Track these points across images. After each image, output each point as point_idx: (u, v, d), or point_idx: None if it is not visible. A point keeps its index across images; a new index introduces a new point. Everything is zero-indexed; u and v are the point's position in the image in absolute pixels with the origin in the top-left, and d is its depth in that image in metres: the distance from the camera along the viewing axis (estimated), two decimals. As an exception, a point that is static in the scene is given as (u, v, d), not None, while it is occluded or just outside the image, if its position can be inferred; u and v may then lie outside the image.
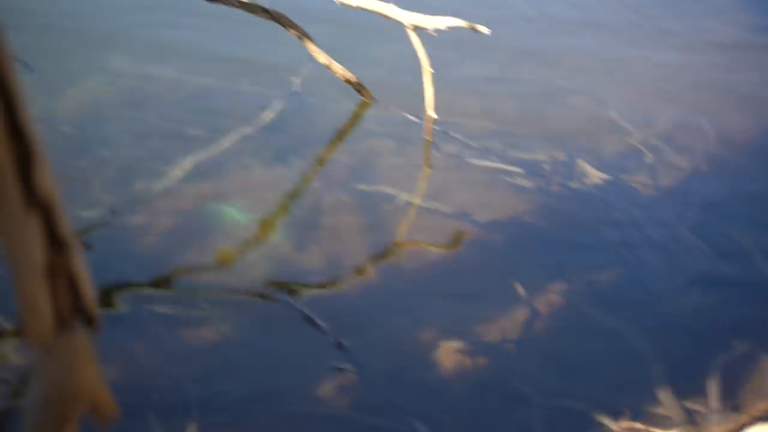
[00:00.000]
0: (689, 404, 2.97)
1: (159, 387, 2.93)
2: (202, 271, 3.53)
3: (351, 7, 4.78)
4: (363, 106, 4.93)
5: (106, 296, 3.28)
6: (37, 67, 4.94)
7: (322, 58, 4.87)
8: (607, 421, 2.87)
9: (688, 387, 3.05)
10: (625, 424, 2.84)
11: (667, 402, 2.97)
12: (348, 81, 4.91)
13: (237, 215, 3.89)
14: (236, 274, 3.52)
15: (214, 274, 3.52)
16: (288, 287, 3.45)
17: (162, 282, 3.43)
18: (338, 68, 4.87)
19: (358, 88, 4.95)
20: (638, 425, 2.84)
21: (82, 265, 1.09)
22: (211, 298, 3.36)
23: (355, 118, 4.82)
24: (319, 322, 3.23)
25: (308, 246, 3.70)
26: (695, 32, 6.26)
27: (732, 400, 2.99)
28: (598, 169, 4.41)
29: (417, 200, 4.10)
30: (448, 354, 3.15)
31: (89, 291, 1.10)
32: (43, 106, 4.53)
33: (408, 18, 4.70)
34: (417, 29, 4.69)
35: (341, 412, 2.87)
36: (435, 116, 4.55)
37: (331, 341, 3.14)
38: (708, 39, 6.16)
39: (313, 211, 3.95)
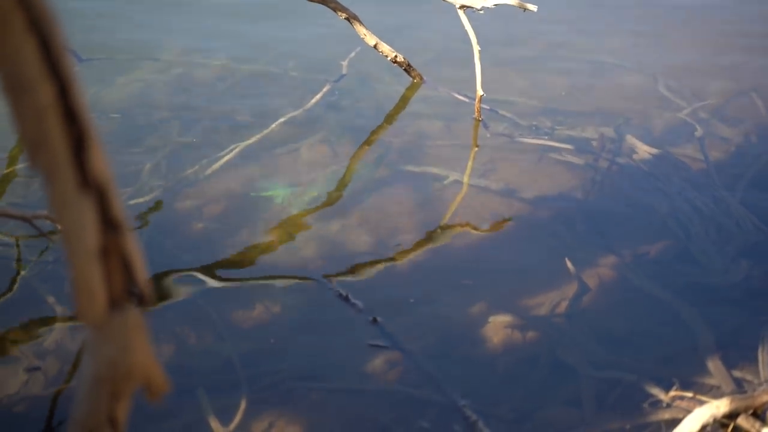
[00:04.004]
0: (738, 374, 2.97)
1: (209, 366, 2.97)
2: (252, 253, 3.57)
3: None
4: (412, 86, 4.96)
5: (157, 279, 3.34)
6: (86, 56, 5.03)
7: (370, 39, 4.90)
8: (656, 392, 2.88)
9: (738, 357, 3.04)
10: (675, 393, 2.86)
11: (716, 372, 2.97)
12: (396, 61, 4.94)
13: (284, 193, 3.93)
14: (285, 256, 3.56)
15: (263, 256, 3.56)
16: (336, 267, 3.48)
17: (212, 265, 3.47)
18: (386, 49, 4.90)
19: (407, 68, 4.98)
20: (687, 394, 2.85)
21: (134, 246, 1.10)
22: (261, 280, 3.40)
23: (404, 99, 4.85)
24: (356, 302, 3.26)
25: (357, 227, 3.73)
26: (745, 2, 6.21)
27: (782, 370, 2.99)
28: (647, 143, 4.40)
29: (466, 179, 4.13)
30: (497, 329, 3.17)
31: (142, 271, 1.11)
32: (92, 95, 4.60)
33: (456, -2, 4.72)
34: (465, 8, 4.71)
35: (390, 387, 2.90)
36: (483, 93, 4.56)
37: (379, 320, 3.18)
38: (758, 8, 6.11)
39: (362, 193, 3.98)
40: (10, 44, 0.99)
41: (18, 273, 3.36)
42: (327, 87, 4.86)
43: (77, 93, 1.04)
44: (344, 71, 5.05)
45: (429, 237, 3.69)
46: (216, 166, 4.10)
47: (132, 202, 3.79)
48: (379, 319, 3.17)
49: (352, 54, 5.17)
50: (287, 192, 3.94)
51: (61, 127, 1.03)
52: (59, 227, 1.10)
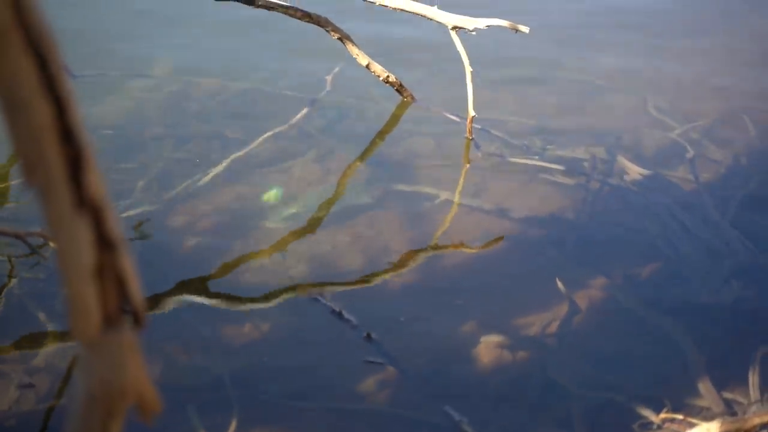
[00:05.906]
0: (729, 395, 2.98)
1: (200, 384, 2.95)
2: (243, 270, 3.57)
3: (391, 8, 4.82)
4: (403, 106, 4.97)
5: (148, 296, 3.33)
6: (79, 73, 5.02)
7: (362, 59, 4.91)
8: (647, 413, 2.88)
9: (728, 379, 3.05)
10: (665, 415, 2.86)
11: (707, 394, 2.97)
12: (389, 81, 4.95)
13: (278, 195, 3.95)
14: (276, 273, 3.56)
15: (254, 273, 3.56)
16: (327, 286, 3.48)
17: (203, 281, 3.47)
18: (379, 69, 4.91)
19: (399, 88, 4.99)
20: (678, 416, 2.85)
21: (130, 265, 1.10)
22: (252, 297, 3.40)
23: (395, 118, 4.86)
24: (352, 318, 3.26)
25: (348, 245, 3.74)
26: (735, 24, 6.24)
27: (772, 391, 2.99)
28: (638, 165, 4.41)
29: (457, 198, 4.13)
30: (488, 349, 3.17)
31: (137, 290, 1.11)
32: (84, 112, 4.59)
33: (448, 19, 4.74)
34: (457, 29, 4.72)
35: (381, 407, 2.90)
36: (475, 114, 4.57)
37: (373, 336, 3.17)
38: (748, 31, 6.14)
39: (353, 211, 3.98)
40: (8, 63, 0.99)
41: (6, 287, 3.35)
42: (318, 105, 4.87)
43: (74, 112, 1.04)
44: (335, 90, 5.05)
45: (420, 256, 3.69)
46: (208, 182, 4.10)
47: (124, 215, 3.79)
48: (373, 335, 3.17)
49: (344, 73, 5.18)
50: (279, 191, 3.97)
51: (58, 147, 1.03)
52: (54, 245, 1.09)
